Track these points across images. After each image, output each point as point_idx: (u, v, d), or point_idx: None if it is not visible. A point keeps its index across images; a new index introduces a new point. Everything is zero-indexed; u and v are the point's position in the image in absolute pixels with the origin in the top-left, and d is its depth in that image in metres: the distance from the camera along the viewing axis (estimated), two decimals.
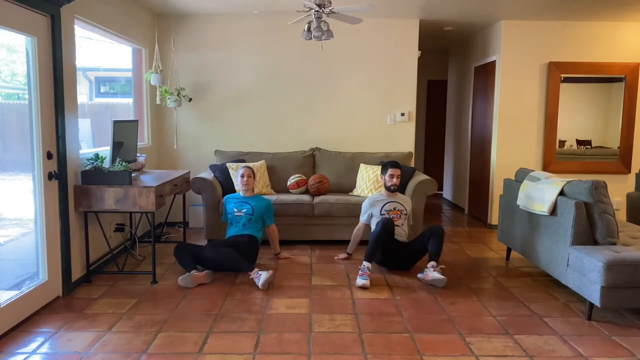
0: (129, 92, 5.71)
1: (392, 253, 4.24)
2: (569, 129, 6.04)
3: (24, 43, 3.28)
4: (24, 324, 3.20)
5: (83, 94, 7.02)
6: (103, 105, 7.00)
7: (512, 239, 4.48)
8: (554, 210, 3.72)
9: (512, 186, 4.49)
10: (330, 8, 4.02)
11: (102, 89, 7.71)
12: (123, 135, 4.26)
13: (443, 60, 8.49)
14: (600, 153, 6.07)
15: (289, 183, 5.45)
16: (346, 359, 2.78)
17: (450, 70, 8.13)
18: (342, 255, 4.70)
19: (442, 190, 8.54)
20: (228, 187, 5.20)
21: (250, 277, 3.94)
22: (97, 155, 3.91)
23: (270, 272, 3.91)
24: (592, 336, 3.11)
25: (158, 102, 5.69)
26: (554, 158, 6.04)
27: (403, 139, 6.03)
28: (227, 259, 4.03)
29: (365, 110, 6.01)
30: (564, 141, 6.06)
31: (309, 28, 4.23)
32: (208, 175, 5.26)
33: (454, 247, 5.17)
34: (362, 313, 3.42)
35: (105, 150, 4.19)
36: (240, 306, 3.53)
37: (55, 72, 3.52)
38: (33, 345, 2.91)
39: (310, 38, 4.26)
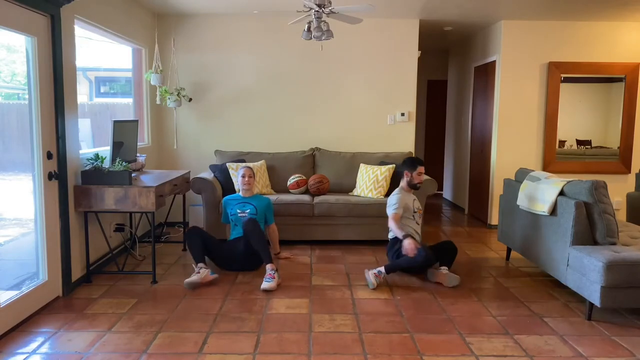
0: (129, 92, 5.71)
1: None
2: (569, 129, 6.04)
3: (24, 43, 3.28)
4: (24, 324, 3.20)
5: (83, 94, 7.01)
6: (103, 105, 6.99)
7: (512, 239, 4.48)
8: (554, 210, 3.72)
9: (512, 186, 4.49)
10: (330, 8, 4.02)
11: (102, 89, 7.71)
12: (123, 135, 4.26)
13: (443, 60, 8.49)
14: (600, 153, 6.07)
15: (289, 183, 5.45)
16: (346, 359, 2.78)
17: (450, 70, 8.13)
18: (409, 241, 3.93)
19: (442, 190, 8.54)
20: (228, 187, 5.20)
21: (267, 268, 3.97)
22: (97, 155, 3.91)
23: (278, 283, 3.92)
24: (592, 336, 3.12)
25: (158, 102, 5.69)
26: (554, 158, 6.04)
27: (403, 139, 6.03)
28: (260, 238, 4.05)
29: (365, 110, 6.01)
30: (564, 141, 6.06)
31: (309, 28, 4.23)
32: (208, 175, 5.26)
33: None
34: (362, 313, 3.42)
35: (105, 150, 4.19)
36: (240, 306, 3.53)
37: (55, 72, 3.52)
38: (33, 345, 2.92)
39: (310, 38, 4.26)
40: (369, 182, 5.31)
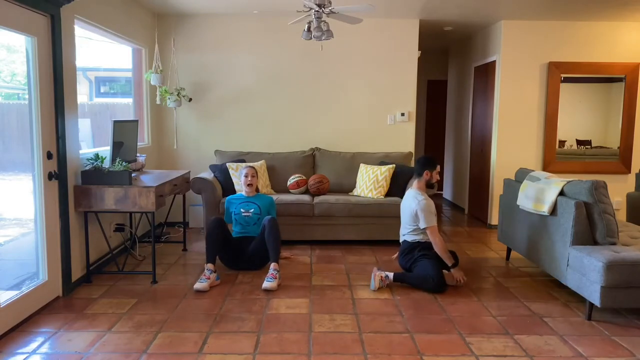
0: (129, 92, 5.71)
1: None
2: (569, 129, 6.04)
3: (24, 43, 3.28)
4: (24, 324, 3.20)
5: (83, 94, 7.01)
6: (103, 105, 6.99)
7: (512, 239, 4.48)
8: (554, 210, 3.72)
9: (512, 186, 4.49)
10: (330, 8, 4.02)
11: (102, 89, 7.70)
12: (123, 135, 4.26)
13: (443, 60, 8.49)
14: (600, 153, 6.07)
15: (289, 183, 5.45)
16: (346, 359, 2.78)
17: (450, 70, 8.13)
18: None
19: (442, 190, 8.54)
20: (228, 187, 5.20)
21: (270, 268, 3.98)
22: (97, 155, 3.91)
23: (279, 283, 3.93)
24: (592, 336, 3.12)
25: (158, 102, 5.69)
26: (554, 158, 6.04)
27: (403, 139, 6.03)
28: (278, 237, 4.10)
29: (365, 110, 6.01)
30: (564, 141, 6.06)
31: (309, 28, 4.23)
32: (208, 175, 5.26)
33: (454, 247, 5.16)
34: (362, 313, 3.42)
35: (105, 150, 4.19)
36: (240, 306, 3.53)
37: (55, 72, 3.52)
38: (33, 345, 2.91)
39: (310, 38, 4.26)
40: (369, 182, 5.31)
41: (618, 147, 6.04)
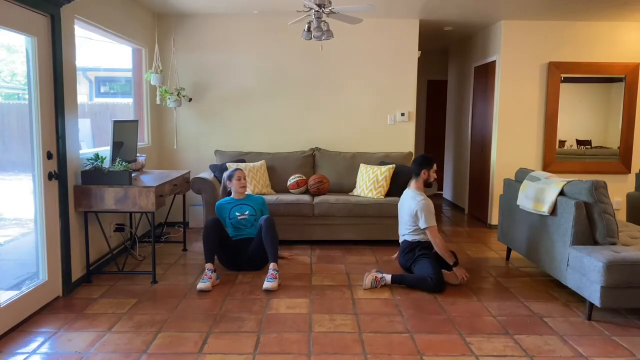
0: (129, 92, 5.71)
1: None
2: (569, 129, 6.04)
3: (24, 43, 3.28)
4: (24, 324, 3.20)
5: (83, 94, 7.02)
6: (103, 105, 6.99)
7: (512, 239, 4.48)
8: (554, 210, 3.72)
9: (512, 186, 4.49)
10: (330, 8, 4.02)
11: (102, 89, 7.71)
12: (123, 135, 4.26)
13: (443, 60, 8.49)
14: (600, 153, 6.07)
15: (289, 183, 5.45)
16: (346, 359, 2.78)
17: (450, 70, 8.13)
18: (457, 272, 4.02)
19: (442, 190, 8.54)
20: None
21: (270, 268, 3.98)
22: (97, 155, 3.91)
23: (279, 283, 3.93)
24: (592, 336, 3.12)
25: (158, 102, 5.69)
26: (554, 158, 6.04)
27: (403, 139, 6.03)
28: (275, 237, 4.11)
29: (365, 110, 6.01)
30: (564, 141, 6.06)
31: (309, 28, 4.23)
32: (208, 175, 5.26)
33: (454, 247, 5.16)
34: (362, 313, 3.42)
35: (105, 150, 4.19)
36: (240, 306, 3.53)
37: (55, 72, 3.52)
38: (33, 345, 2.91)
39: (310, 38, 4.26)
40: (369, 182, 5.31)
41: (618, 147, 6.04)
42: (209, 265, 3.98)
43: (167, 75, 5.78)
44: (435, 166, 4.17)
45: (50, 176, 3.48)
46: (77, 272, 3.89)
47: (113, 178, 3.84)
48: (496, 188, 6.04)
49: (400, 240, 4.22)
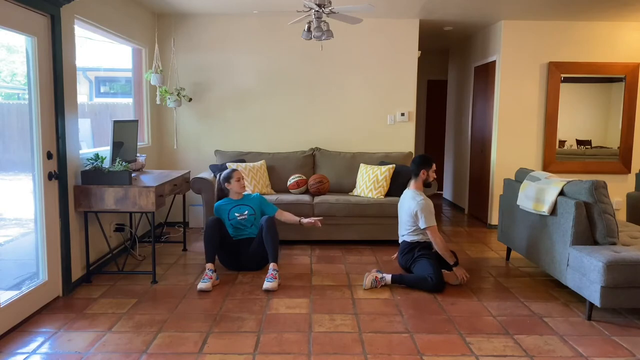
0: (129, 92, 5.71)
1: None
2: (569, 129, 6.04)
3: (24, 43, 3.28)
4: (24, 324, 3.20)
5: (83, 94, 7.02)
6: (103, 105, 7.00)
7: (512, 239, 4.48)
8: (554, 210, 3.72)
9: (512, 186, 4.49)
10: (330, 8, 4.02)
11: (102, 89, 7.71)
12: (123, 135, 4.26)
13: (443, 60, 8.49)
14: (600, 153, 6.07)
15: (289, 183, 5.45)
16: (346, 359, 2.78)
17: (450, 70, 8.13)
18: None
19: (442, 190, 8.54)
20: None
21: (270, 268, 3.99)
22: (97, 155, 3.91)
23: (279, 283, 3.94)
24: (592, 336, 3.11)
25: (158, 102, 5.69)
26: (554, 158, 6.04)
27: (403, 139, 6.03)
28: (275, 237, 4.11)
29: (365, 110, 6.01)
30: (564, 141, 6.06)
31: (309, 28, 4.23)
32: (208, 175, 5.26)
33: (454, 247, 5.16)
34: (362, 313, 3.42)
35: (105, 150, 4.19)
36: (240, 306, 3.53)
37: (55, 72, 3.52)
38: (33, 345, 2.92)
39: (310, 38, 4.26)
40: (369, 182, 5.31)
41: (618, 147, 6.04)
42: (209, 266, 3.98)
43: (167, 75, 5.78)
44: (434, 166, 4.17)
45: (50, 176, 3.48)
46: (77, 272, 3.89)
47: (113, 178, 3.84)
48: (496, 188, 6.04)
49: (399, 241, 4.22)
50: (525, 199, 4.09)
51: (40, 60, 3.37)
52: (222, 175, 4.43)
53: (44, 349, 2.88)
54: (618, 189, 5.98)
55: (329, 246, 5.17)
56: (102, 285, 3.96)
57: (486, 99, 6.41)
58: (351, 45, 5.91)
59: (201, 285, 3.83)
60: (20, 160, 3.42)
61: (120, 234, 4.70)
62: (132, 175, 4.12)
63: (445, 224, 6.43)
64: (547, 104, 5.98)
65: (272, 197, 5.11)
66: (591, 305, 3.33)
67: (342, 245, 5.22)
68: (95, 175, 3.84)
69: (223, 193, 4.43)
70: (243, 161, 5.51)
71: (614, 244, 3.45)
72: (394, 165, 5.39)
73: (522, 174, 4.40)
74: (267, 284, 3.84)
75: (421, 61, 6.24)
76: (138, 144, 4.85)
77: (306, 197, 5.22)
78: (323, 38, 4.19)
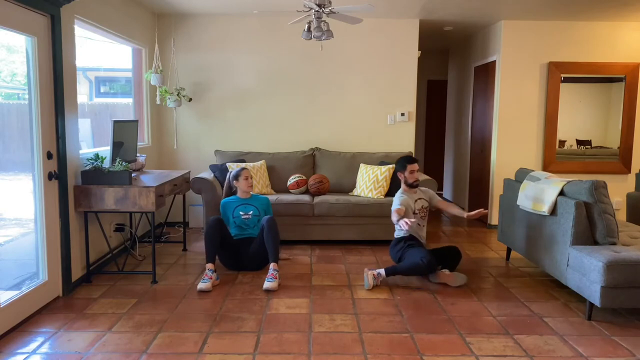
0: (129, 92, 5.71)
1: None
2: (569, 129, 6.04)
3: (24, 43, 3.28)
4: (24, 324, 3.20)
5: (83, 94, 7.02)
6: (103, 105, 7.00)
7: (512, 239, 4.48)
8: (554, 210, 3.72)
9: (512, 186, 4.49)
10: (330, 8, 4.02)
11: (102, 89, 7.71)
12: (123, 135, 4.26)
13: (443, 60, 8.49)
14: (600, 153, 6.07)
15: (289, 183, 5.45)
16: (346, 359, 2.78)
17: (450, 70, 8.13)
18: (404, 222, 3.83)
19: (442, 190, 8.54)
20: None
21: (270, 268, 3.99)
22: (97, 155, 3.91)
23: (279, 283, 3.94)
24: (592, 336, 3.12)
25: (158, 102, 5.69)
26: (554, 158, 6.04)
27: (403, 139, 6.03)
28: (277, 237, 4.11)
29: (365, 110, 6.01)
30: (564, 141, 6.06)
31: (309, 28, 4.23)
32: (208, 175, 5.26)
33: None
34: (362, 313, 3.43)
35: (105, 150, 4.19)
36: (240, 306, 3.53)
37: (55, 72, 3.52)
38: (33, 345, 2.92)
39: (310, 38, 4.26)
40: (369, 182, 5.31)
41: (618, 147, 6.04)
42: (209, 266, 3.98)
43: (167, 75, 5.78)
44: (409, 167, 4.21)
45: (50, 176, 3.48)
46: (77, 272, 3.89)
47: (113, 178, 3.84)
48: (496, 188, 6.04)
49: None
50: (525, 199, 4.09)
51: (40, 60, 3.37)
52: (232, 172, 4.49)
53: (44, 349, 2.88)
54: (618, 189, 5.98)
55: (329, 246, 5.17)
56: (102, 285, 3.96)
57: (486, 99, 6.41)
58: (351, 45, 5.91)
59: (201, 285, 3.83)
60: (20, 160, 3.42)
61: (120, 234, 4.70)
62: (132, 175, 4.12)
63: (445, 224, 6.44)
64: (547, 104, 5.98)
65: (272, 197, 5.11)
66: (591, 305, 3.33)
67: (342, 245, 5.22)
68: (95, 175, 3.84)
69: (232, 190, 4.48)
70: (243, 161, 5.51)
71: (614, 244, 3.45)
72: (394, 165, 5.39)
73: (522, 174, 4.40)
74: (267, 284, 3.84)
75: (421, 61, 6.24)
76: (138, 144, 4.85)
77: (306, 197, 5.22)
78: (323, 38, 4.19)
